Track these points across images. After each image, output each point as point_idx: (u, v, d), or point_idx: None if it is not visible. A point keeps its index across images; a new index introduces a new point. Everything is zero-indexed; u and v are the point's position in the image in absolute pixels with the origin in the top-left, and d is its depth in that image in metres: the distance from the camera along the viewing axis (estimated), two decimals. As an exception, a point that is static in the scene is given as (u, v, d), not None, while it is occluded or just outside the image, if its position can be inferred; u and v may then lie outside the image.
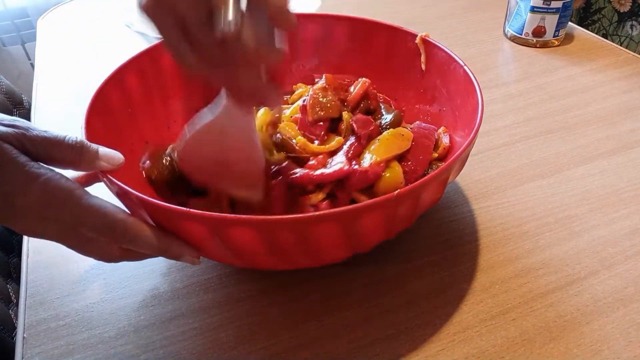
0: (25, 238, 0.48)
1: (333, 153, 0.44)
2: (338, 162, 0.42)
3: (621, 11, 1.38)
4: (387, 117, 0.47)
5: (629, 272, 0.44)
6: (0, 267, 0.60)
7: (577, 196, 0.51)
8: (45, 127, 0.38)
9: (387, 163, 0.42)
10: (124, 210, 0.35)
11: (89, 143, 0.35)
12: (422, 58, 0.51)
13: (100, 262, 0.45)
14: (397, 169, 0.42)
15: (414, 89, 0.53)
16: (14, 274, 0.62)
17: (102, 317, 0.41)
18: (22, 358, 0.39)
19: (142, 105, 0.49)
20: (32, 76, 0.75)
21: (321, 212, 0.34)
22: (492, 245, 0.46)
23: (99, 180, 0.37)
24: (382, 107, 0.49)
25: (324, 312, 0.41)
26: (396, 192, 0.33)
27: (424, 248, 0.46)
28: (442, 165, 0.37)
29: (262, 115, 0.48)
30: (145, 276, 0.44)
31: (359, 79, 0.50)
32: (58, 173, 0.33)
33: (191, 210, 0.32)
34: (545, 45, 0.77)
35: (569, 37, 0.79)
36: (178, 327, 0.40)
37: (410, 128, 0.46)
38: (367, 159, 0.42)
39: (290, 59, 0.57)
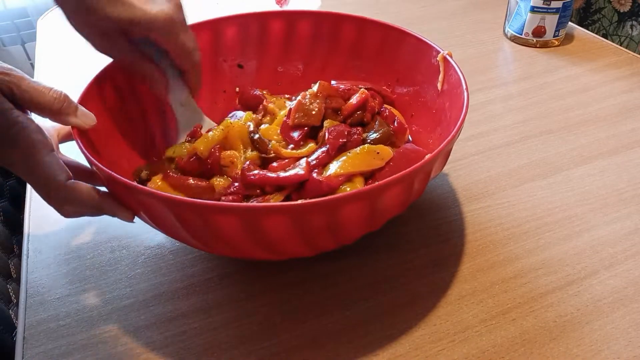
0: (25, 238, 0.48)
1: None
2: (297, 168, 0.42)
3: (621, 11, 1.38)
4: (373, 134, 0.46)
5: (629, 272, 0.44)
6: (0, 267, 0.60)
7: (577, 196, 0.51)
8: (46, 126, 0.39)
9: (350, 178, 0.41)
10: (68, 173, 0.37)
11: (71, 99, 0.39)
12: (440, 77, 0.49)
13: (101, 263, 0.46)
14: (357, 186, 0.41)
15: (428, 109, 0.51)
16: (14, 274, 0.62)
17: (102, 317, 0.41)
18: (22, 358, 0.39)
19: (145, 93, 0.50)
20: (32, 76, 0.75)
21: (219, 203, 0.34)
22: (492, 245, 0.46)
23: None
24: (377, 122, 0.48)
25: (324, 312, 0.41)
26: (300, 201, 0.33)
27: (423, 248, 0.46)
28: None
29: (247, 113, 0.49)
30: (146, 276, 0.44)
31: (360, 88, 0.49)
32: (35, 125, 0.36)
33: (118, 176, 0.35)
34: (545, 45, 0.77)
35: (569, 37, 0.79)
36: (178, 327, 0.40)
37: (399, 148, 0.45)
38: (329, 170, 0.42)
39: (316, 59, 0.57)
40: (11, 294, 0.59)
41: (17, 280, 0.61)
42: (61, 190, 0.37)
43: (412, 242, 0.47)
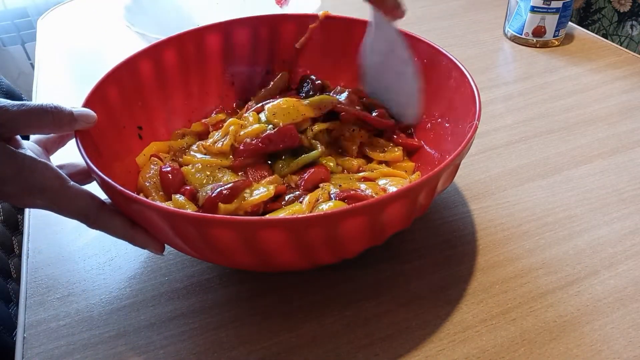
0: (25, 238, 0.49)
1: None
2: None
3: (621, 11, 1.38)
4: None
5: (629, 272, 0.44)
6: (0, 267, 0.60)
7: (577, 196, 0.51)
8: (29, 144, 0.39)
9: None
10: (98, 201, 0.38)
11: (62, 106, 0.37)
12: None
13: (100, 262, 0.46)
14: None
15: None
16: (14, 274, 0.62)
17: (102, 317, 0.41)
18: (22, 358, 0.39)
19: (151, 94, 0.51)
20: (32, 76, 0.75)
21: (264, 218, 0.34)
22: (492, 245, 0.46)
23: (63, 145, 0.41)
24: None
25: (324, 312, 0.41)
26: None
27: (424, 248, 0.46)
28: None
29: None
30: (146, 276, 0.44)
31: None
32: (42, 163, 0.36)
33: (130, 193, 0.34)
34: (545, 45, 0.77)
35: (569, 37, 0.79)
36: (178, 327, 0.40)
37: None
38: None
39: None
40: (11, 294, 0.59)
41: (17, 280, 0.61)
42: (96, 223, 0.38)
43: (412, 242, 0.47)
